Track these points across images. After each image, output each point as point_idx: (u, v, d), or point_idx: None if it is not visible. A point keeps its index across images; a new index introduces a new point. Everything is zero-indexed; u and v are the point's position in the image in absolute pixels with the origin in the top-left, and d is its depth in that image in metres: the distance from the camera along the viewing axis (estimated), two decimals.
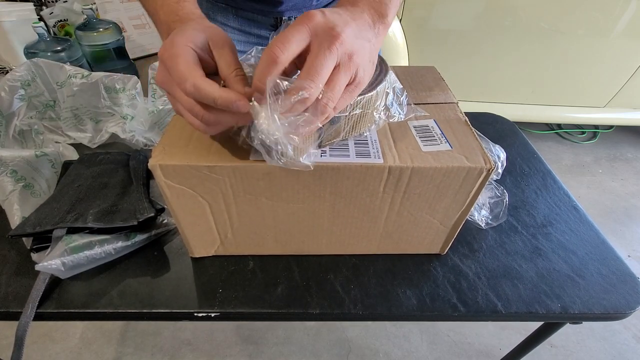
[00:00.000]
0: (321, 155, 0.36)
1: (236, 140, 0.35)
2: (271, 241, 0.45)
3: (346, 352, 1.02)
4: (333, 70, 0.28)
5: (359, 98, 0.34)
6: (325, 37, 0.27)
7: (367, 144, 0.38)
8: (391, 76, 0.39)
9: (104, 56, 0.90)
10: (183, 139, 0.37)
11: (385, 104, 0.38)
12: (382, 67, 0.38)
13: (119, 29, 0.91)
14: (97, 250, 0.43)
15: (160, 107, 0.63)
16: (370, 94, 0.35)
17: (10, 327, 0.93)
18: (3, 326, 1.00)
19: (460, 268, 0.47)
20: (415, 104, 0.43)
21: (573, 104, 1.56)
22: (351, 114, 0.35)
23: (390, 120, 0.40)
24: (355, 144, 0.38)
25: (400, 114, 0.40)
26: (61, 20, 1.11)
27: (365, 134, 0.39)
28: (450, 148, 0.38)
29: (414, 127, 0.41)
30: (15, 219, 0.45)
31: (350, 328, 1.07)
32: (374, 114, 0.38)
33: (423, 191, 0.39)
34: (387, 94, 0.38)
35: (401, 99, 0.40)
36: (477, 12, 1.31)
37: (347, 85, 0.29)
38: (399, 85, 0.40)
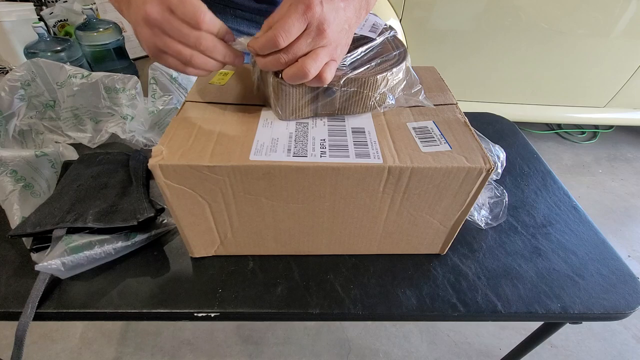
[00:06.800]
0: (321, 156, 0.36)
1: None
2: (271, 241, 0.45)
3: (346, 352, 1.02)
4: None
5: (355, 76, 0.38)
6: (315, 31, 0.32)
7: (367, 144, 0.38)
8: (401, 68, 0.41)
9: (104, 56, 0.90)
10: (183, 139, 0.37)
11: (386, 92, 0.41)
12: (398, 58, 0.41)
13: (119, 29, 0.91)
14: (97, 250, 0.43)
15: (160, 107, 0.63)
16: (369, 78, 0.38)
17: (10, 327, 0.93)
18: (3, 326, 1.00)
19: (460, 268, 0.47)
20: (413, 106, 0.44)
21: (573, 104, 1.56)
22: (346, 89, 0.38)
23: (387, 109, 0.42)
24: (354, 145, 0.38)
25: (400, 104, 0.43)
26: (61, 20, 1.11)
27: (363, 128, 0.40)
28: (449, 149, 0.38)
29: (413, 128, 0.41)
30: (15, 219, 0.45)
31: (350, 328, 1.07)
32: (371, 99, 0.40)
33: (423, 191, 0.39)
34: (389, 82, 0.40)
35: (398, 91, 0.43)
36: (477, 12, 1.31)
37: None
38: (411, 78, 0.44)
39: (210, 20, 0.32)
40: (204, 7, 0.31)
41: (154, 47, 0.33)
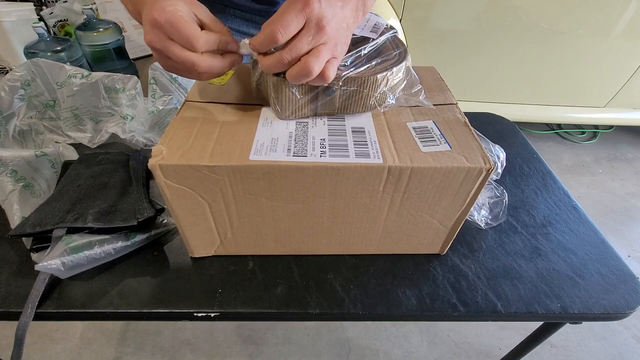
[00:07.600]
0: (321, 156, 0.36)
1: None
2: (271, 241, 0.45)
3: (346, 352, 1.02)
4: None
5: (355, 75, 0.38)
6: (315, 28, 0.32)
7: (367, 144, 0.38)
8: (402, 67, 0.41)
9: (104, 56, 0.90)
10: (183, 139, 0.37)
11: (386, 91, 0.41)
12: (398, 58, 0.41)
13: (119, 29, 0.91)
14: (97, 250, 0.43)
15: (160, 107, 0.63)
16: (369, 77, 0.38)
17: (10, 327, 0.93)
18: (3, 326, 1.00)
19: (460, 268, 0.47)
20: (413, 106, 0.44)
21: (573, 104, 1.56)
22: (346, 88, 0.38)
23: (387, 109, 0.42)
24: (354, 144, 0.38)
25: (400, 104, 0.43)
26: (61, 20, 1.11)
27: (363, 128, 0.40)
28: (449, 148, 0.38)
29: (413, 128, 0.41)
30: (15, 219, 0.45)
31: (350, 328, 1.07)
32: (371, 98, 0.40)
33: (423, 191, 0.39)
34: (389, 81, 0.40)
35: (398, 91, 0.43)
36: (477, 12, 1.31)
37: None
38: (411, 78, 0.44)
39: (206, 42, 0.34)
40: (197, 30, 0.33)
41: (165, 66, 0.37)
